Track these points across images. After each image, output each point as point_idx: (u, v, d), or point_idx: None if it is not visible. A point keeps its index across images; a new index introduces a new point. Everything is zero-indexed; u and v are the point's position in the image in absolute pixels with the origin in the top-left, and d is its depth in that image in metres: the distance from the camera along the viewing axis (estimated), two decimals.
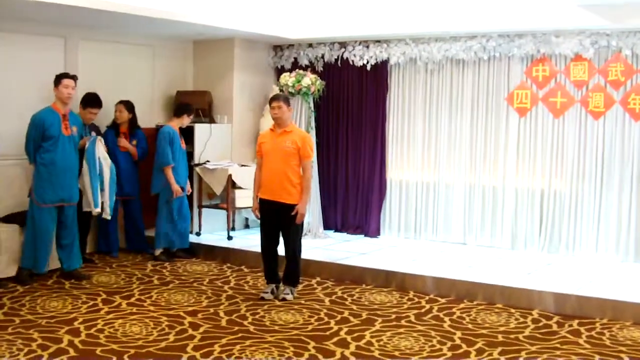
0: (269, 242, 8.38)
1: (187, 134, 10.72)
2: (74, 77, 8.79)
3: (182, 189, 10.12)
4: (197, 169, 10.87)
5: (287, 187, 8.09)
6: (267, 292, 8.32)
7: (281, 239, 8.42)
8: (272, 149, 8.19)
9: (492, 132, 10.75)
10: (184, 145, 10.29)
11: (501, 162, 10.69)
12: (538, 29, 10.06)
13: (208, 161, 11.07)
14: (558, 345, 6.81)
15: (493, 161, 10.76)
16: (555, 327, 7.41)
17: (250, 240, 10.82)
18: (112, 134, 10.21)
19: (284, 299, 8.21)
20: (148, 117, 11.19)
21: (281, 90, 11.21)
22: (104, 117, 10.31)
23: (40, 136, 8.60)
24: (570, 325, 7.46)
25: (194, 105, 10.71)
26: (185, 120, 10.30)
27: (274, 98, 8.33)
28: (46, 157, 8.60)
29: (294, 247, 8.28)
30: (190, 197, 10.65)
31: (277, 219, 8.21)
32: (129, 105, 10.29)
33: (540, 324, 7.54)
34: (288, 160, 8.11)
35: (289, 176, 8.10)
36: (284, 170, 8.09)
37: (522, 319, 7.68)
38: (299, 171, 8.19)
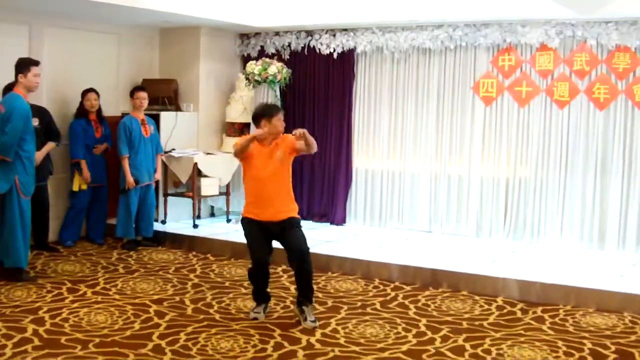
0: (263, 255, 7.20)
1: (154, 122, 10.63)
2: (39, 64, 8.60)
3: (138, 180, 10.07)
4: (163, 157, 10.81)
5: (288, 201, 7.22)
6: (259, 312, 7.23)
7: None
8: (263, 165, 7.10)
9: (458, 121, 10.79)
10: (146, 133, 10.20)
11: (467, 151, 10.74)
12: (504, 19, 10.10)
13: (174, 149, 11.03)
14: (522, 332, 6.87)
15: (459, 150, 10.81)
16: (519, 314, 7.47)
17: (215, 229, 10.82)
18: (83, 123, 10.11)
19: (314, 327, 6.89)
20: (114, 105, 11.12)
21: (247, 79, 11.18)
22: (64, 105, 10.27)
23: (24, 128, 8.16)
24: (534, 312, 7.52)
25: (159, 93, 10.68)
26: (136, 104, 10.22)
27: (278, 109, 7.34)
28: (28, 149, 8.26)
29: (306, 246, 7.12)
30: (155, 186, 10.61)
31: (276, 237, 7.18)
32: (98, 94, 10.21)
33: (505, 310, 7.60)
34: (284, 171, 7.20)
35: (288, 189, 7.25)
36: (283, 185, 7.19)
37: (486, 306, 7.73)
38: (290, 173, 7.35)
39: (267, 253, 7.23)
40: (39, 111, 9.26)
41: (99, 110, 10.28)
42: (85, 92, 10.16)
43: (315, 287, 8.31)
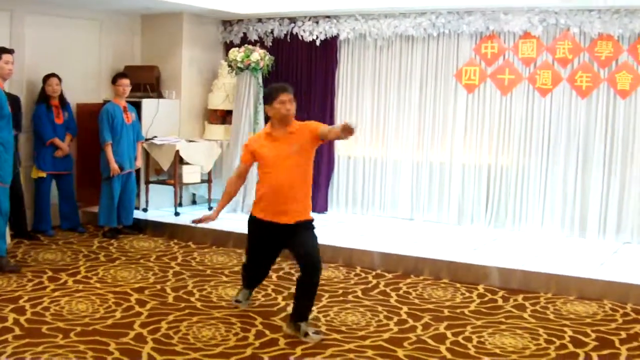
0: (264, 265, 6.89)
1: (135, 109, 10.56)
2: (12, 52, 8.52)
3: (122, 167, 10.01)
4: (144, 144, 10.77)
5: (304, 200, 6.47)
6: (241, 301, 7.06)
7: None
8: (277, 160, 6.32)
9: (441, 109, 10.79)
10: (128, 120, 10.14)
11: (449, 138, 10.75)
12: (487, 6, 10.10)
13: (156, 137, 10.98)
14: (503, 320, 6.90)
15: (441, 137, 10.82)
16: (500, 302, 7.50)
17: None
18: (44, 108, 9.97)
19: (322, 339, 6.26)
20: (95, 92, 11.08)
21: (229, 66, 11.14)
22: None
23: None
24: (515, 300, 7.55)
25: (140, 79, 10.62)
26: (118, 91, 10.14)
27: (284, 89, 6.34)
28: (3, 136, 8.09)
29: (319, 255, 6.39)
30: (137, 173, 10.56)
31: (285, 241, 6.52)
32: (60, 79, 10.11)
33: (486, 298, 7.62)
34: (301, 166, 6.39)
35: (304, 187, 6.46)
36: (300, 182, 6.39)
37: (467, 294, 7.76)
38: (311, 167, 6.58)
39: (269, 264, 6.89)
40: (9, 98, 9.17)
41: (62, 96, 10.15)
42: (46, 77, 9.97)
43: (296, 274, 8.31)
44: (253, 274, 6.97)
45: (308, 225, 6.49)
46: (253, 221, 6.61)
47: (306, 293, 6.33)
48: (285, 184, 6.28)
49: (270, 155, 6.35)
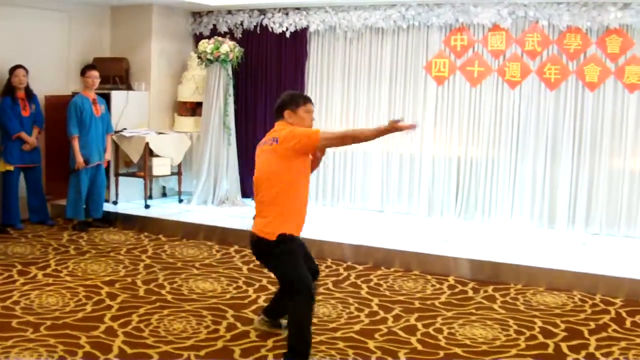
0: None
1: (104, 101, 10.48)
2: None
3: (89, 160, 9.95)
4: (114, 136, 10.71)
5: None
6: None
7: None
8: (307, 170, 5.81)
9: (410, 101, 10.82)
10: (97, 113, 10.06)
11: (418, 130, 10.75)
12: None
13: (125, 129, 10.92)
14: (473, 311, 6.94)
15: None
16: (470, 293, 7.54)
17: (167, 209, 10.76)
18: (9, 101, 9.85)
19: None
20: (64, 84, 11.00)
21: (199, 58, 11.10)
22: None
23: None
24: (486, 291, 7.60)
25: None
26: (87, 83, 10.08)
27: (309, 99, 5.95)
28: None
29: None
30: (106, 166, 10.50)
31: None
32: (26, 70, 10.01)
33: (456, 290, 7.66)
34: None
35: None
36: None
37: (438, 285, 7.79)
38: None
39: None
40: None
41: (28, 88, 10.05)
42: (13, 69, 9.85)
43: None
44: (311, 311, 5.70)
45: None
46: (291, 239, 5.70)
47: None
48: (306, 191, 5.87)
49: (304, 166, 5.74)
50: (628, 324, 6.69)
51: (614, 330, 6.49)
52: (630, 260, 8.39)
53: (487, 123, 10.36)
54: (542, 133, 10.05)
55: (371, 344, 5.98)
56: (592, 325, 6.62)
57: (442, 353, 5.85)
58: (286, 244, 5.60)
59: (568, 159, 9.94)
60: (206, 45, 11.01)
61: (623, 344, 6.15)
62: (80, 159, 9.80)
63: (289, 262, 5.59)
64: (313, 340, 5.69)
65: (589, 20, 9.58)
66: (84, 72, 10.07)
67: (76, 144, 9.80)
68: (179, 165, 11.34)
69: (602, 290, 7.57)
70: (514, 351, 5.93)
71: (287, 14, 11.37)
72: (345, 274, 8.18)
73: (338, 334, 6.18)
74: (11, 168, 9.90)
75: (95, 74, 10.04)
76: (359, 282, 7.84)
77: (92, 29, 11.62)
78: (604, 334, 6.38)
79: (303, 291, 5.44)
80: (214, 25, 11.96)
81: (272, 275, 7.90)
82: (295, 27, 11.31)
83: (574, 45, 9.78)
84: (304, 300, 5.45)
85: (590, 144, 9.83)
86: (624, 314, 6.95)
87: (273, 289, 7.45)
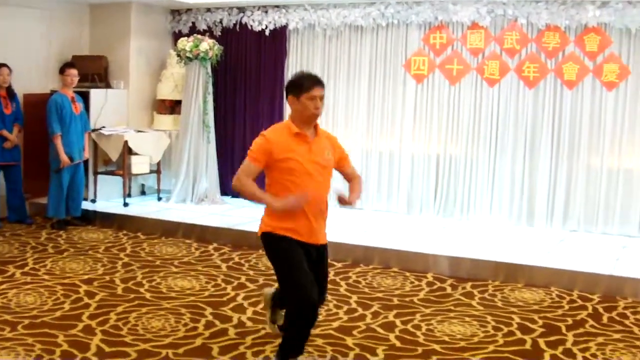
0: (314, 291, 5.08)
1: (82, 99, 10.44)
2: None
3: (72, 158, 9.90)
4: (93, 135, 10.67)
5: (325, 220, 5.46)
6: None
7: None
8: (308, 164, 5.15)
9: (390, 99, 10.83)
10: (76, 111, 10.02)
11: (398, 128, 10.80)
12: None
13: (104, 127, 10.88)
14: (452, 308, 6.96)
15: (390, 127, 10.86)
16: (449, 290, 7.56)
17: (146, 207, 10.73)
18: None
19: None
20: (43, 82, 10.94)
21: (178, 55, 11.07)
22: None
23: None
24: (464, 288, 7.62)
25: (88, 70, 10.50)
26: (66, 81, 10.03)
27: (317, 82, 5.21)
28: None
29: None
30: (85, 164, 10.46)
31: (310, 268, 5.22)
32: (10, 69, 9.97)
33: (435, 286, 7.68)
34: (329, 179, 5.35)
35: (327, 202, 5.44)
36: (325, 194, 5.35)
37: (417, 282, 7.81)
38: None
39: (315, 288, 5.15)
40: None
41: (10, 87, 9.98)
42: None
43: (246, 264, 8.35)
44: (305, 322, 5.16)
45: (326, 251, 5.54)
46: (276, 238, 5.28)
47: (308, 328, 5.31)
48: (321, 195, 5.28)
49: (303, 160, 5.15)
50: (605, 319, 6.73)
51: (591, 326, 6.52)
52: (608, 257, 8.44)
53: (466, 121, 10.39)
54: (521, 131, 10.09)
55: (350, 341, 5.99)
56: (570, 321, 6.65)
57: (420, 349, 5.86)
58: (270, 244, 5.33)
59: (546, 156, 9.99)
60: (185, 43, 10.98)
61: (600, 339, 6.18)
62: (64, 157, 9.75)
63: (278, 266, 5.30)
64: None
65: (567, 19, 9.63)
66: (62, 70, 10.03)
67: (59, 143, 9.74)
68: (158, 164, 11.31)
69: (579, 287, 7.61)
70: (492, 347, 5.95)
71: (266, 11, 11.36)
72: None
73: (317, 331, 6.17)
74: None
75: (74, 72, 10.00)
76: (337, 279, 7.84)
77: (71, 27, 11.57)
78: (581, 330, 6.41)
79: (294, 302, 5.12)
80: (193, 23, 11.93)
81: (251, 273, 7.95)
82: (275, 25, 11.30)
83: (552, 44, 9.83)
84: (295, 312, 5.12)
85: (568, 141, 9.88)
86: (601, 310, 6.99)
87: (252, 286, 7.46)
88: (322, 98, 5.17)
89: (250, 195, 5.38)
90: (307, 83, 5.16)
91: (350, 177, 5.60)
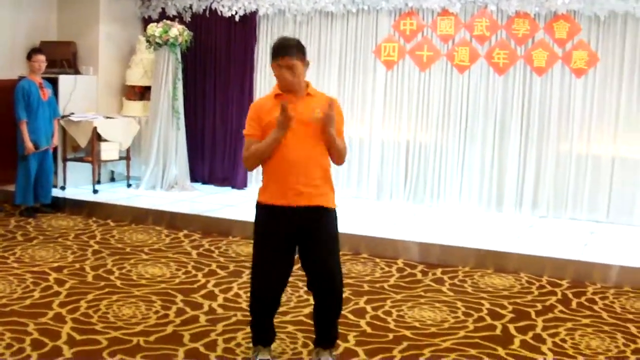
0: (277, 277, 5.10)
1: (51, 85, 10.35)
2: None
3: (38, 145, 9.82)
4: (62, 121, 10.59)
5: (320, 180, 5.04)
6: None
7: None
8: (296, 125, 4.83)
9: (360, 85, 10.84)
10: (44, 97, 9.92)
11: (368, 114, 10.81)
12: None
13: (73, 113, 10.80)
14: (422, 293, 6.99)
15: (360, 113, 10.87)
16: (419, 276, 7.60)
17: (116, 194, 10.68)
18: None
19: None
20: (9, 69, 10.83)
21: (147, 41, 11.00)
22: None
23: None
24: (434, 274, 7.66)
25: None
26: (34, 67, 9.95)
27: (282, 50, 4.98)
28: None
29: (337, 274, 5.14)
30: (54, 151, 10.39)
31: (297, 237, 5.05)
32: None
33: (405, 272, 7.71)
34: (319, 139, 4.95)
35: (322, 163, 5.08)
36: (316, 155, 4.99)
37: (387, 268, 7.84)
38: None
39: (283, 277, 5.13)
40: None
41: None
42: None
43: (216, 251, 8.32)
44: (271, 295, 5.15)
45: (326, 215, 5.07)
46: (259, 211, 5.14)
47: (326, 314, 5.22)
48: (306, 154, 4.94)
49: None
50: (574, 305, 6.80)
51: (560, 311, 6.58)
52: (577, 243, 8.52)
53: (436, 107, 10.42)
54: (491, 117, 10.14)
55: None
56: (539, 306, 6.71)
57: (391, 335, 5.88)
58: (254, 222, 5.16)
59: (516, 142, 10.04)
60: (155, 29, 10.91)
61: (569, 324, 6.24)
62: (29, 144, 9.67)
63: (253, 248, 5.19)
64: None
65: (537, 6, 9.68)
66: (30, 56, 9.94)
67: (25, 129, 9.66)
68: (128, 150, 11.25)
69: (548, 272, 7.68)
70: (462, 333, 5.99)
71: None
72: (295, 257, 8.17)
73: (288, 318, 6.19)
74: None
75: (41, 57, 9.91)
76: None
77: (40, 12, 11.46)
78: (550, 315, 6.47)
79: (251, 293, 5.19)
80: (163, 9, 11.84)
81: (222, 260, 7.94)
82: (245, 10, 11.25)
83: (522, 31, 9.87)
84: (250, 303, 5.21)
85: (537, 128, 9.94)
86: (570, 295, 7.06)
87: (223, 273, 7.46)
88: (290, 67, 4.88)
89: (260, 154, 4.94)
90: (275, 51, 5.00)
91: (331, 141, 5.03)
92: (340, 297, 5.17)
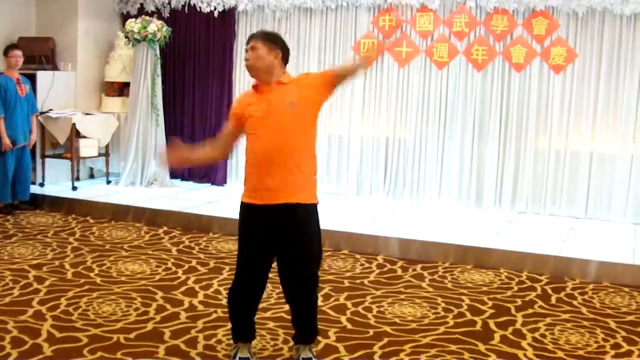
0: (256, 277, 5.08)
1: (30, 81, 10.29)
2: None
3: (15, 141, 9.76)
4: (40, 117, 10.53)
5: (297, 175, 4.82)
6: (247, 358, 5.17)
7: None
8: (267, 115, 4.79)
9: None
10: (22, 93, 9.86)
11: (347, 110, 10.82)
12: None
13: (51, 110, 10.76)
14: (402, 289, 7.01)
15: (339, 109, 10.87)
16: (399, 272, 7.61)
17: (95, 191, 10.64)
18: None
19: None
20: None
21: (126, 37, 10.96)
22: None
23: None
24: (414, 270, 7.68)
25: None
26: (11, 62, 9.89)
27: (252, 35, 5.05)
28: None
29: (312, 289, 5.13)
30: (33, 147, 10.33)
31: (275, 238, 4.91)
32: None
33: (385, 268, 7.73)
34: (298, 126, 4.83)
35: (301, 155, 4.86)
36: (290, 147, 4.79)
37: (367, 265, 7.85)
38: (315, 144, 5.07)
39: (261, 277, 5.10)
40: None
41: None
42: None
43: (197, 248, 8.31)
44: (249, 294, 5.14)
45: (304, 213, 4.94)
46: (241, 210, 5.03)
47: (302, 317, 5.22)
48: (282, 144, 4.78)
49: (258, 110, 4.85)
50: (553, 300, 6.84)
51: (540, 307, 6.62)
52: (556, 238, 8.57)
53: (415, 103, 10.44)
54: (470, 113, 10.17)
55: None
56: (519, 302, 6.74)
57: (371, 331, 5.90)
58: (239, 212, 5.05)
59: (495, 139, 10.08)
60: (133, 25, 10.87)
61: (549, 319, 6.28)
62: (6, 140, 9.61)
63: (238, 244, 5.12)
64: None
65: (515, 2, 9.72)
66: (6, 51, 9.88)
67: (2, 126, 9.61)
68: (107, 146, 11.21)
69: (528, 268, 7.72)
70: (442, 329, 6.01)
71: None
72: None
73: (268, 314, 6.19)
74: None
75: (18, 53, 9.86)
76: None
77: (17, 7, 11.38)
78: (530, 311, 6.50)
79: (230, 288, 5.25)
80: (141, 5, 11.80)
81: (202, 256, 7.94)
82: (224, 6, 11.22)
83: (500, 27, 9.91)
84: (228, 297, 5.26)
85: (516, 124, 9.98)
86: (549, 291, 7.10)
87: (203, 270, 7.45)
88: (253, 48, 4.86)
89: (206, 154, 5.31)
90: (251, 36, 5.05)
91: (347, 67, 5.26)
92: (315, 305, 5.21)
